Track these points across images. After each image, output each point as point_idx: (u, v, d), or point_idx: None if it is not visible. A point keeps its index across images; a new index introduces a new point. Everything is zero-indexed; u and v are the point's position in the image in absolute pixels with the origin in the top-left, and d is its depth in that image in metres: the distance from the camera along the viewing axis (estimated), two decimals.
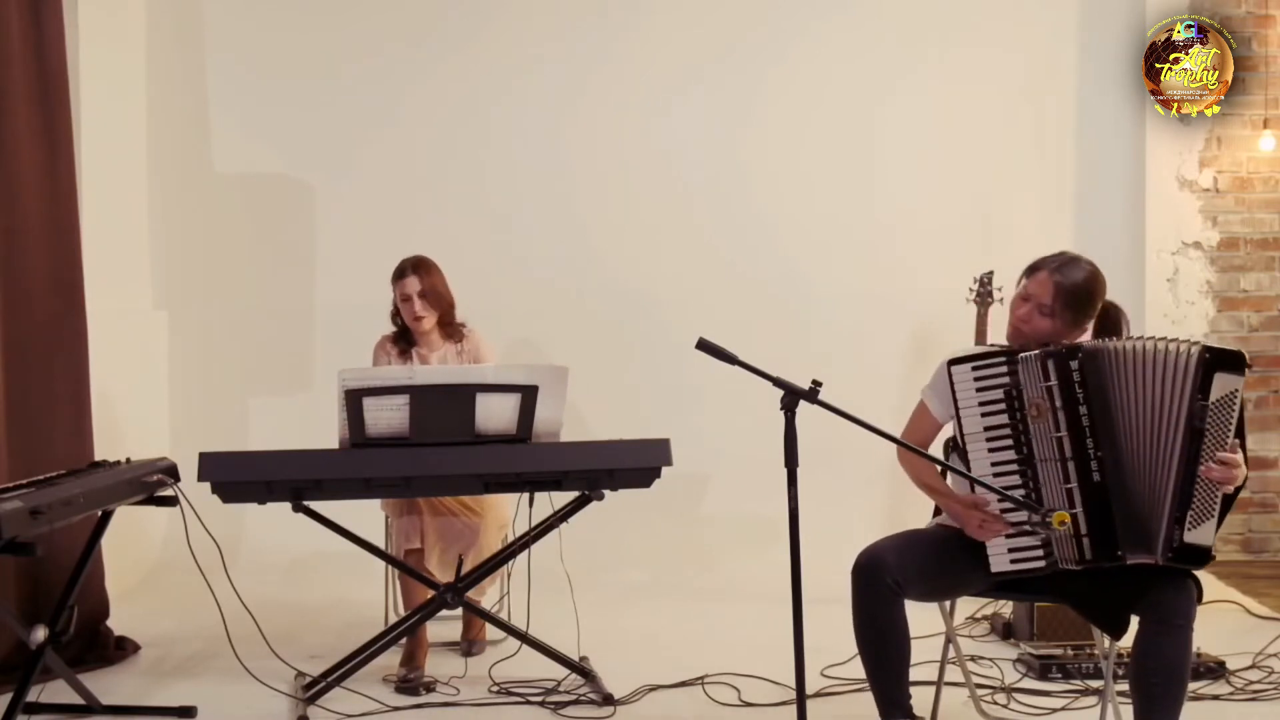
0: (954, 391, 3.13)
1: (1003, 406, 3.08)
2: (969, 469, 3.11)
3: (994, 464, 3.08)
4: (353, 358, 4.01)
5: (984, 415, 3.09)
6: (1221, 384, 2.99)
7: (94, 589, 4.27)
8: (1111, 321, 3.24)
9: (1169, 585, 2.98)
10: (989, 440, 3.09)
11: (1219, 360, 3.00)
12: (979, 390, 3.10)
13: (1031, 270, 3.20)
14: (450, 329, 4.40)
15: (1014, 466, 3.07)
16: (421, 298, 4.29)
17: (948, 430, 3.30)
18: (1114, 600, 3.05)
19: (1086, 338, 3.20)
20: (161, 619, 4.72)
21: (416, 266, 4.33)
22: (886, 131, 5.76)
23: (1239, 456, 3.03)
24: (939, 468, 3.25)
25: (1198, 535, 2.98)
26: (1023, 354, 3.09)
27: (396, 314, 4.40)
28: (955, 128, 5.74)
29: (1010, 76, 5.75)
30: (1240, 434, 3.08)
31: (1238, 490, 3.07)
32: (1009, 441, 3.07)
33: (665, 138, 5.74)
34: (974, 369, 3.12)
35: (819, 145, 5.74)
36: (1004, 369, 3.09)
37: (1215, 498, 2.99)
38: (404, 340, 4.40)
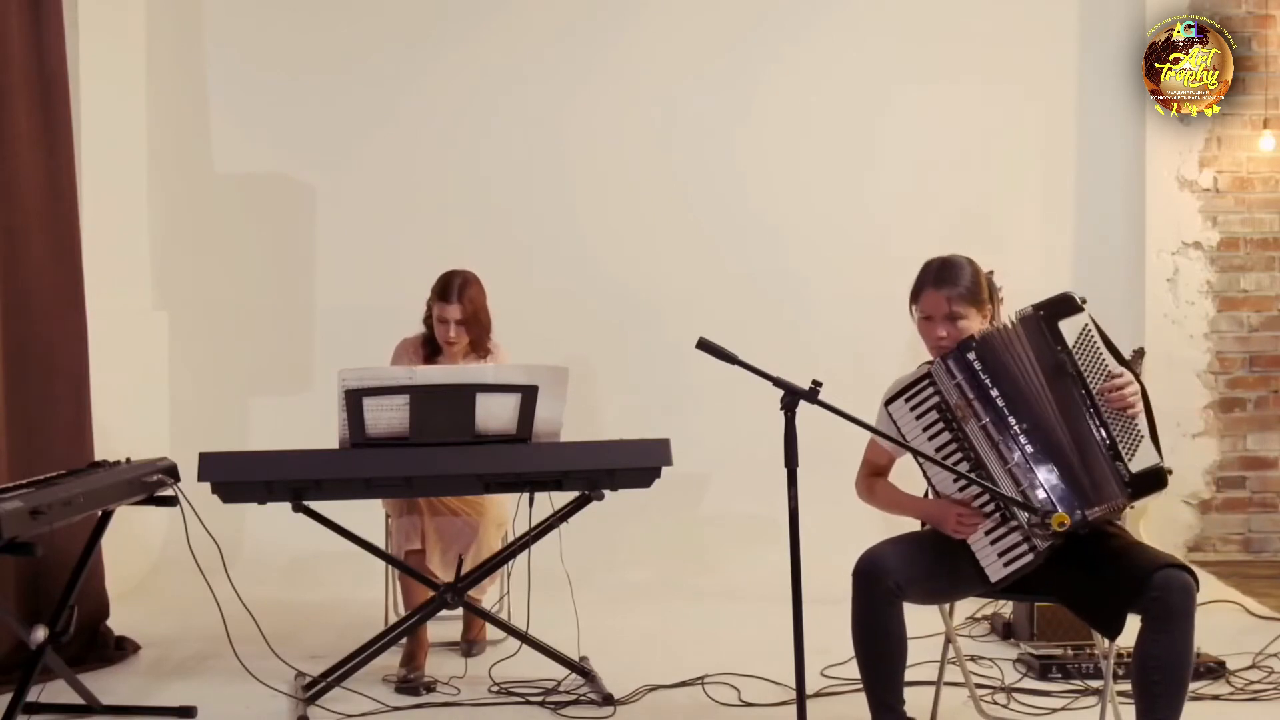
0: (899, 428, 3.19)
1: (941, 424, 3.15)
2: (935, 493, 3.20)
3: (954, 479, 3.14)
4: (352, 358, 4.00)
5: (930, 439, 3.16)
6: (1070, 327, 3.10)
7: (94, 589, 4.27)
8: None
9: (1169, 581, 2.98)
10: (942, 459, 3.13)
11: (1054, 310, 3.12)
12: (918, 418, 3.18)
13: (916, 294, 3.25)
14: (480, 346, 4.36)
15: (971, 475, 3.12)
16: (459, 324, 4.24)
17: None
18: (1111, 599, 3.06)
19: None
20: (161, 619, 4.72)
21: (461, 291, 4.23)
22: (886, 131, 5.76)
23: (1126, 375, 3.10)
24: (896, 488, 3.38)
25: (1140, 460, 3.05)
26: (931, 367, 3.17)
27: (429, 318, 4.35)
28: (955, 127, 5.74)
29: (1010, 76, 5.75)
30: (1118, 357, 3.16)
31: (1147, 402, 3.13)
32: (958, 455, 3.13)
33: (664, 137, 5.74)
34: (906, 400, 3.20)
35: (818, 145, 5.74)
36: (930, 388, 3.17)
37: (1133, 423, 3.07)
38: (430, 347, 4.37)
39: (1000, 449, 3.10)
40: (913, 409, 3.18)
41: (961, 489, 3.13)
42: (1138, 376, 3.14)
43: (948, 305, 3.18)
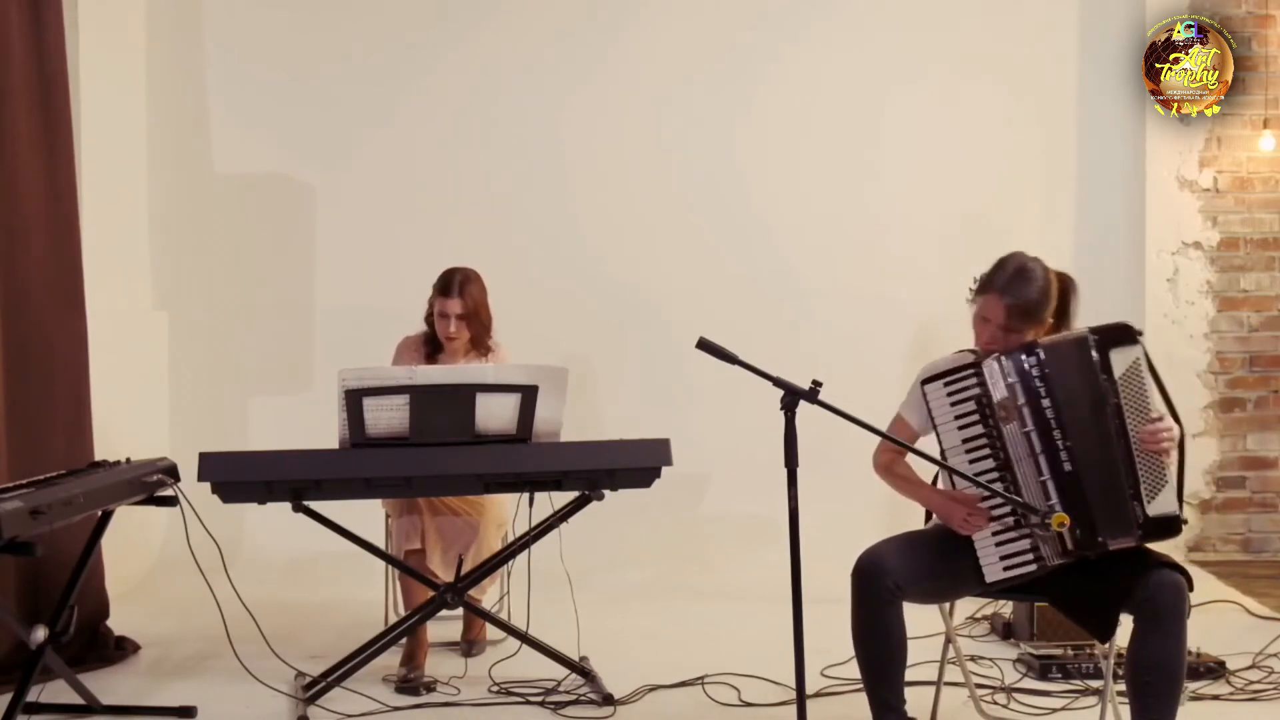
0: (930, 409, 3.18)
1: (976, 417, 3.13)
2: (953, 484, 3.16)
3: (975, 474, 3.12)
4: (352, 358, 4.00)
5: (960, 428, 3.15)
6: (1121, 358, 3.07)
7: (94, 589, 4.27)
8: (1063, 298, 3.26)
9: (1161, 581, 2.98)
10: (968, 452, 3.13)
11: (1107, 338, 3.09)
12: (953, 404, 3.16)
13: (982, 289, 3.21)
14: (481, 344, 4.36)
15: (994, 474, 3.11)
16: (459, 319, 4.26)
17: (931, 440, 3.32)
18: (1103, 601, 3.06)
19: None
20: (161, 619, 4.72)
21: (462, 288, 4.25)
22: (885, 131, 5.76)
23: (1166, 419, 3.09)
24: (913, 471, 3.34)
25: (1159, 506, 3.04)
26: (984, 361, 3.14)
27: (430, 315, 4.36)
28: (954, 127, 5.74)
29: (1010, 76, 5.75)
30: (1165, 396, 3.16)
31: (1182, 449, 3.15)
32: (986, 450, 3.12)
33: (664, 137, 5.74)
34: (945, 384, 3.17)
35: (819, 145, 5.74)
36: (973, 380, 3.14)
37: (1161, 466, 3.05)
38: (431, 345, 4.37)
39: (1038, 460, 3.08)
40: (950, 394, 3.16)
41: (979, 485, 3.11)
42: (1179, 421, 3.13)
43: (1005, 316, 3.15)
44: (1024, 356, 3.11)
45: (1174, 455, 3.08)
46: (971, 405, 3.13)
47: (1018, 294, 3.15)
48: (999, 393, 3.11)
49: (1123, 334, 3.09)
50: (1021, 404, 3.10)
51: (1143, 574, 3.00)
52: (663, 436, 3.83)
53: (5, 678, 3.80)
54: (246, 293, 5.72)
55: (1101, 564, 3.07)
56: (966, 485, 3.12)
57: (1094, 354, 3.07)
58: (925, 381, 3.21)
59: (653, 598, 5.15)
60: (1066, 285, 3.27)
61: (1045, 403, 3.09)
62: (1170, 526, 3.05)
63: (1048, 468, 3.08)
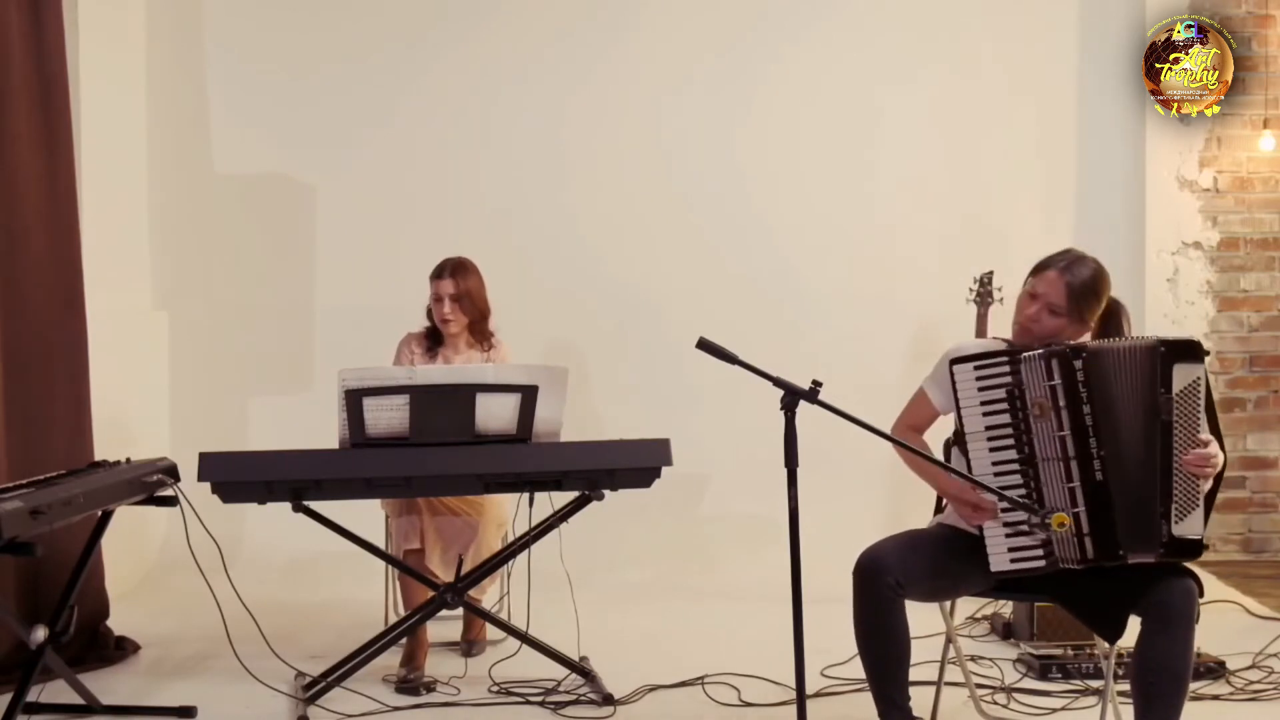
0: (955, 389, 3.13)
1: (1005, 406, 3.08)
2: (969, 466, 3.11)
3: (995, 463, 3.08)
4: (352, 358, 4.00)
5: (985, 414, 3.10)
6: (1183, 375, 3.02)
7: (94, 589, 4.28)
8: (1114, 318, 3.24)
9: (1171, 584, 2.98)
10: (990, 439, 3.09)
11: (1175, 351, 3.04)
12: (981, 389, 3.10)
13: (1039, 269, 3.20)
14: (480, 335, 4.38)
15: (1015, 466, 3.08)
16: (454, 301, 4.28)
17: (946, 421, 3.30)
18: (1113, 602, 3.05)
19: (1088, 335, 3.21)
20: (161, 619, 4.73)
21: (455, 269, 4.31)
22: (885, 131, 5.76)
23: (1214, 445, 3.06)
24: (938, 456, 3.28)
25: (1185, 528, 3.01)
26: (1025, 354, 3.09)
27: (429, 308, 4.39)
28: (955, 127, 5.75)
29: (1010, 76, 5.75)
30: (1213, 420, 3.11)
31: (1220, 477, 3.10)
32: (1010, 441, 3.08)
33: (664, 137, 5.74)
34: (976, 368, 3.12)
35: (818, 145, 5.74)
36: (1006, 369, 3.09)
37: (1196, 488, 3.02)
38: (432, 339, 4.40)
39: (1069, 465, 3.04)
40: (979, 379, 3.10)
41: (997, 473, 3.08)
42: (1224, 448, 3.09)
43: (1064, 294, 3.11)
44: (1073, 359, 3.05)
45: (1209, 481, 3.05)
46: (1001, 394, 3.08)
47: (1076, 273, 3.13)
48: (1037, 391, 3.05)
49: (1190, 351, 3.04)
50: (1062, 406, 3.04)
51: (1154, 577, 2.99)
52: (662, 436, 3.83)
53: (5, 678, 3.80)
54: (246, 293, 5.72)
55: (1112, 566, 3.06)
56: (990, 473, 3.07)
57: (1158, 366, 3.01)
58: (955, 361, 3.15)
59: (653, 598, 5.15)
60: (1117, 309, 3.24)
61: (1086, 409, 3.04)
62: (1192, 549, 3.01)
63: (1078, 474, 3.03)
